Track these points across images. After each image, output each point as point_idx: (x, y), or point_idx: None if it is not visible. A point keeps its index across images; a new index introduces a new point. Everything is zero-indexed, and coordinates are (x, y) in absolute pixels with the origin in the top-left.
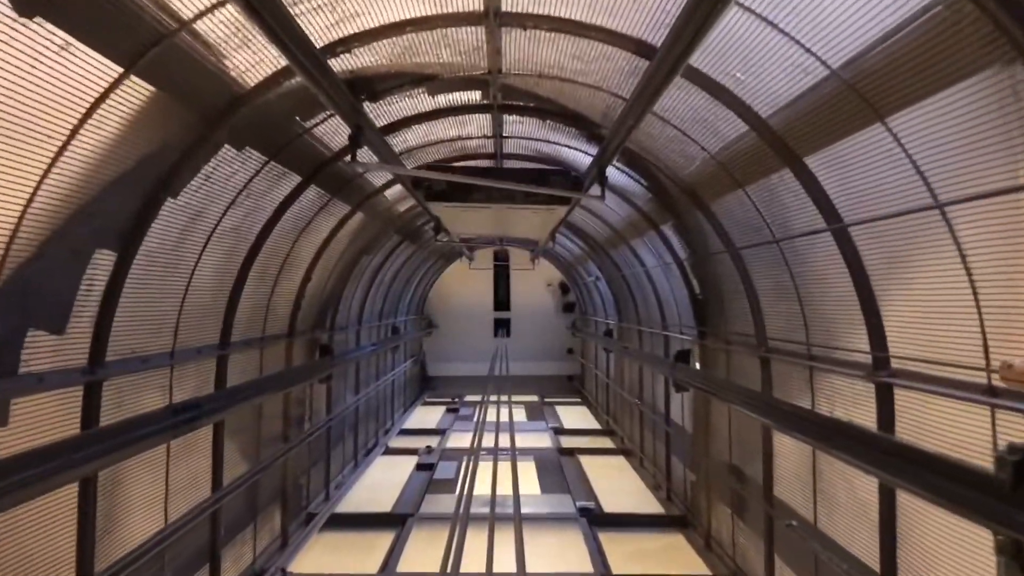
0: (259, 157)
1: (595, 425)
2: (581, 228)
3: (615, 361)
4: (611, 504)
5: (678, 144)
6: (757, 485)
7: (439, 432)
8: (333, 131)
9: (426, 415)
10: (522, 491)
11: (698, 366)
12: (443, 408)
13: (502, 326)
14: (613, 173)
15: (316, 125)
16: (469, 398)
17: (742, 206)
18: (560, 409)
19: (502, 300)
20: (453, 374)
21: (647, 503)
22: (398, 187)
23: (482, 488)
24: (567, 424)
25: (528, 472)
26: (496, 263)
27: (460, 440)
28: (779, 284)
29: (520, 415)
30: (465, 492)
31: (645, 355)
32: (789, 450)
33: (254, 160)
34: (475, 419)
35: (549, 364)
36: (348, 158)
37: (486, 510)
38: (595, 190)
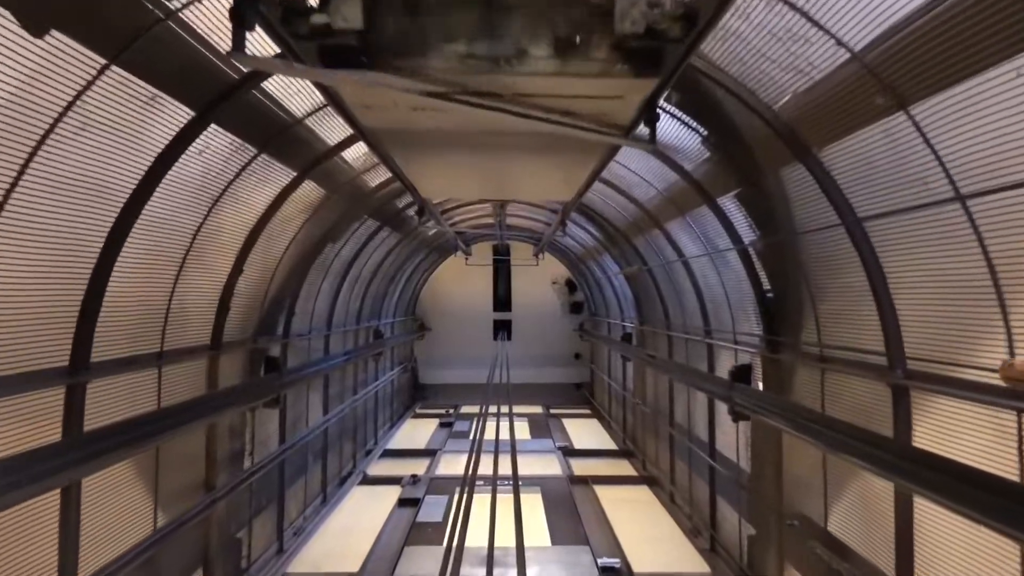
0: (84, 54)
1: (610, 444)
2: (598, 211)
3: (634, 371)
4: (641, 559)
5: (783, 46)
6: (881, 574)
7: (429, 453)
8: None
9: (416, 431)
10: (528, 541)
11: (760, 386)
12: (435, 422)
13: (502, 328)
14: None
15: (189, 4)
16: (465, 409)
17: (890, 145)
18: (568, 423)
19: (502, 299)
20: (448, 382)
21: (686, 557)
22: (362, 148)
23: (477, 535)
24: (577, 443)
25: (534, 510)
26: (496, 258)
27: (453, 464)
28: (942, 272)
29: (523, 431)
30: (455, 544)
31: (681, 368)
32: (949, 533)
33: (73, 56)
34: (471, 436)
35: (554, 371)
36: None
37: (482, 573)
38: (642, 132)
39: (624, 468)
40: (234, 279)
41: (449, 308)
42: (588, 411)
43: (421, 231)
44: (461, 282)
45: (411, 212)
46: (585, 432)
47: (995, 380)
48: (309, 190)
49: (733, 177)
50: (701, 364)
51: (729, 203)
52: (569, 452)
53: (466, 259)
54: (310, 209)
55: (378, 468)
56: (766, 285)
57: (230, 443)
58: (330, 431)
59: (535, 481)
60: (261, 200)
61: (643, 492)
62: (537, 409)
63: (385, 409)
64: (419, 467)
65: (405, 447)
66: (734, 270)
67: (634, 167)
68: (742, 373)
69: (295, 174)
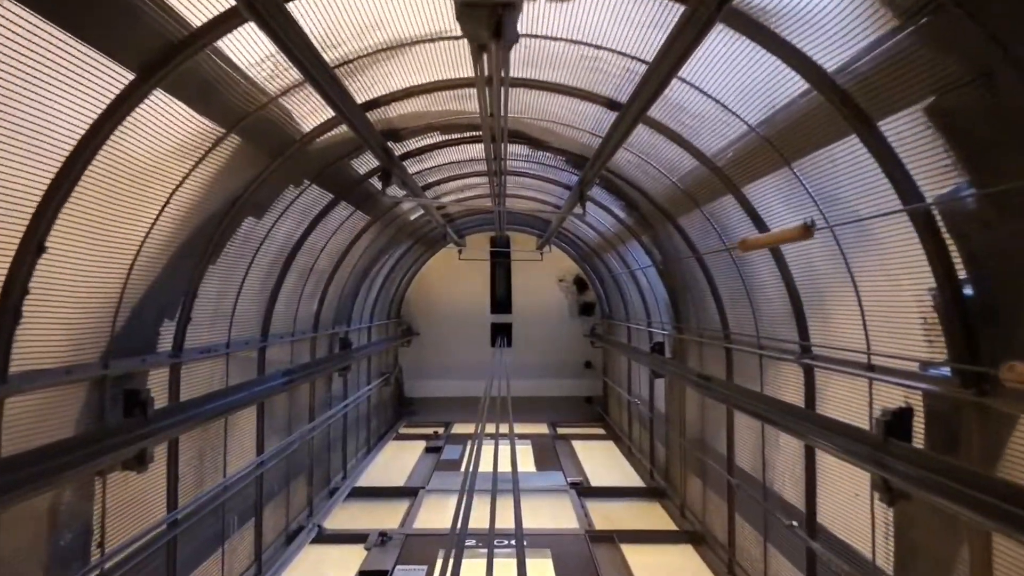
0: None
1: (634, 479)
2: (630, 180)
3: (668, 390)
4: None
5: None
6: None
7: (409, 493)
8: None
9: (397, 458)
10: None
11: (922, 442)
12: (421, 445)
13: (501, 333)
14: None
15: None
16: (458, 428)
17: None
18: (580, 447)
19: (502, 300)
20: (438, 395)
21: None
22: (263, 44)
23: None
24: (594, 476)
25: None
26: (493, 249)
27: (438, 510)
28: None
29: (526, 458)
30: None
31: (770, 406)
32: None
33: None
34: (463, 467)
35: (562, 382)
36: None
37: None
38: None
39: (657, 516)
40: (26, 263)
41: (440, 310)
42: (602, 430)
43: (399, 214)
44: (454, 280)
45: (377, 181)
46: (602, 460)
47: None
48: (176, 114)
49: (939, 66)
50: (788, 394)
51: (905, 126)
52: (585, 491)
53: (459, 253)
54: (193, 152)
55: (341, 517)
56: (961, 273)
57: (51, 534)
58: (269, 476)
59: (545, 539)
60: (68, 119)
61: (688, 556)
62: (542, 428)
63: (359, 432)
64: (395, 514)
65: (380, 483)
66: (881, 248)
67: (711, 85)
68: (900, 422)
69: (131, 76)
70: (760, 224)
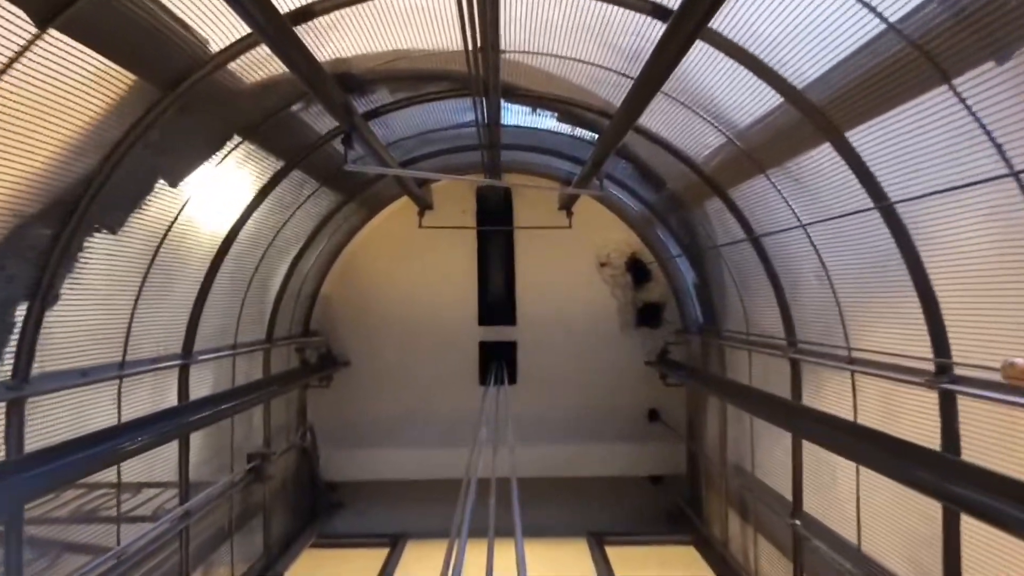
0: None
1: None
2: None
3: None
4: None
5: None
6: None
7: None
8: None
9: None
10: None
11: None
12: None
13: (498, 359)
14: None
15: None
16: (413, 553)
17: None
18: None
19: (498, 301)
20: (383, 476)
21: None
22: None
23: None
24: None
25: None
26: (481, 206)
27: None
28: None
29: None
30: None
31: None
32: None
33: None
34: None
35: (607, 450)
36: None
37: None
38: None
39: None
40: None
41: (388, 320)
42: (698, 557)
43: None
44: (412, 265)
45: None
46: None
47: None
48: None
49: None
50: None
51: None
52: None
53: (419, 216)
54: None
55: None
56: None
57: None
58: None
59: None
60: None
61: None
62: (578, 551)
63: None
64: None
65: None
66: None
67: None
68: None
69: None
70: None
